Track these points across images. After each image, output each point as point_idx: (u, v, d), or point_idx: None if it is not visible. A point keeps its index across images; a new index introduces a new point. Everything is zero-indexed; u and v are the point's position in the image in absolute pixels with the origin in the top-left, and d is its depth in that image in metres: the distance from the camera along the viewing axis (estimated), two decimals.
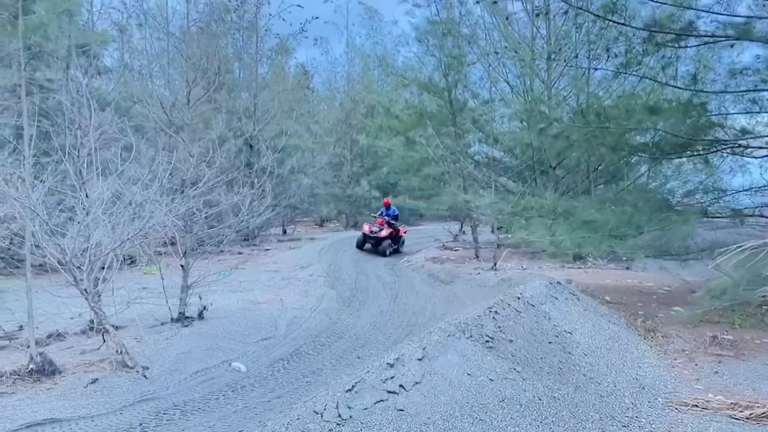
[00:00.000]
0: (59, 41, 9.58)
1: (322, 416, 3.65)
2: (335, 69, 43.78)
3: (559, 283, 8.29)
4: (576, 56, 12.95)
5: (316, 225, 37.12)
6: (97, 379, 6.38)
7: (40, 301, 7.86)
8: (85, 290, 6.79)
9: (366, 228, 18.85)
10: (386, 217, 18.91)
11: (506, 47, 15.77)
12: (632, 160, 13.91)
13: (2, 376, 6.22)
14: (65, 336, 8.58)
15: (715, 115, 8.45)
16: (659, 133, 8.98)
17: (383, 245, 18.26)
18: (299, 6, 25.08)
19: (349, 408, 3.79)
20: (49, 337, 8.32)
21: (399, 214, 20.53)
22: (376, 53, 40.45)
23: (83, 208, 7.16)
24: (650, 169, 15.54)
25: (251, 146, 22.50)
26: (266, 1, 25.09)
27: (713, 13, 7.48)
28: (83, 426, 5.16)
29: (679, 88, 8.64)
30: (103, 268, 7.22)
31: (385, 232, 18.36)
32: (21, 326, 8.68)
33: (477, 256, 16.16)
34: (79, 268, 6.75)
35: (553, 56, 14.93)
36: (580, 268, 12.98)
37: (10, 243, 7.26)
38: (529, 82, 16.13)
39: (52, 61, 11.69)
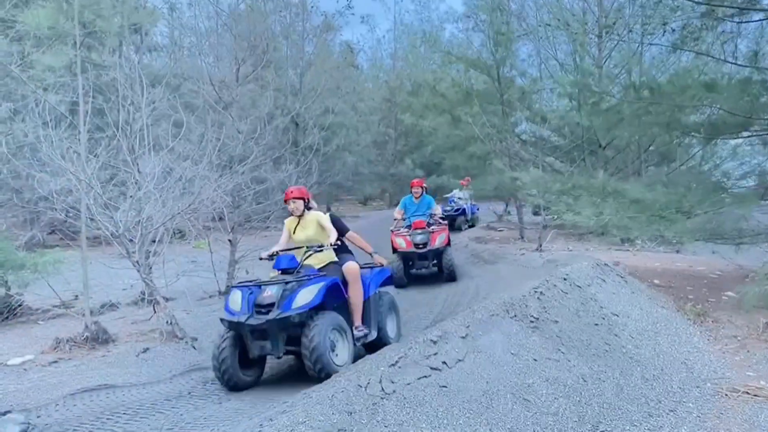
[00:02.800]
0: (112, 19, 9.81)
1: (366, 389, 3.69)
2: (381, 47, 43.67)
3: (606, 265, 8.13)
4: (630, 31, 12.55)
5: (359, 203, 37.35)
6: (148, 349, 6.60)
7: (95, 272, 8.13)
8: (137, 262, 7.00)
9: (404, 243, 11.07)
10: (422, 216, 11.47)
11: (558, 20, 15.37)
12: (685, 141, 13.47)
13: (60, 342, 6.50)
14: (118, 306, 8.90)
15: None
16: (715, 111, 8.64)
17: (449, 256, 11.05)
18: None
19: (393, 383, 3.82)
20: (102, 306, 8.65)
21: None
22: (423, 29, 40.08)
23: (135, 183, 7.36)
24: (704, 150, 15.03)
25: (297, 124, 22.65)
26: None
27: None
28: (135, 392, 5.35)
29: (738, 64, 8.26)
30: (154, 241, 7.43)
31: (439, 238, 10.96)
32: (77, 296, 9.03)
33: (522, 237, 15.95)
34: (132, 240, 6.96)
35: (605, 31, 14.50)
36: (628, 250, 12.69)
37: (67, 215, 7.52)
38: (579, 59, 15.73)
39: (106, 38, 11.96)
